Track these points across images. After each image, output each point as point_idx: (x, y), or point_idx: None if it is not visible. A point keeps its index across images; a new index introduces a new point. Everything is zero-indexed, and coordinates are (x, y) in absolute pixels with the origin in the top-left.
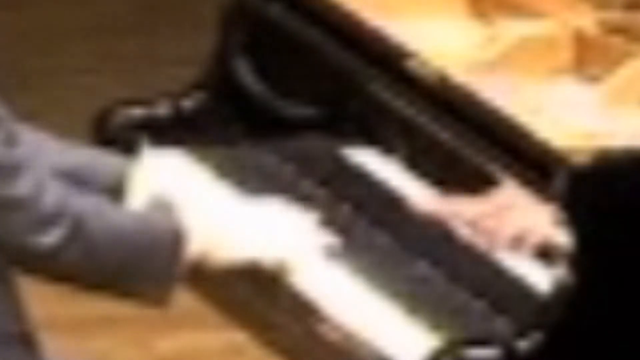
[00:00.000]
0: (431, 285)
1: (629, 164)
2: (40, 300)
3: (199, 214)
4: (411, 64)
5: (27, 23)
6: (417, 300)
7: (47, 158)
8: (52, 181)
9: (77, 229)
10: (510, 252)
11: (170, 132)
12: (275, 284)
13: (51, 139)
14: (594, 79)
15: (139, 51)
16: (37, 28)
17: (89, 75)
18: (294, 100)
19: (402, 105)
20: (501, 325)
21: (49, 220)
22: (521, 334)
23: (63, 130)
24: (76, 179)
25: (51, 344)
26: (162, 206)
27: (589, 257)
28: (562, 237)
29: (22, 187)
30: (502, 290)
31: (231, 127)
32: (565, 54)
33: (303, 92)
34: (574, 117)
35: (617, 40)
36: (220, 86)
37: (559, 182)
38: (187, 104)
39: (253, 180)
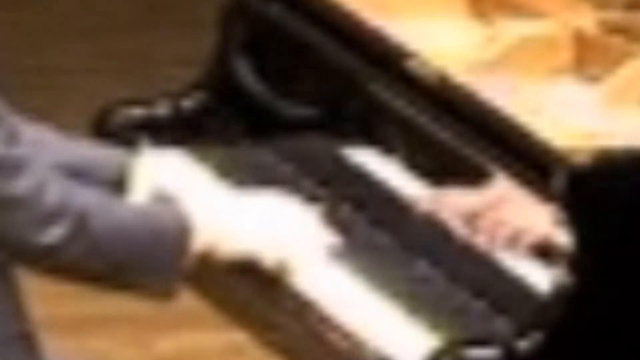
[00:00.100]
0: (431, 285)
1: (629, 164)
2: (40, 300)
3: (203, 207)
4: (411, 64)
5: (27, 23)
6: (417, 300)
7: (48, 153)
8: (54, 177)
9: (81, 225)
10: (507, 251)
11: (170, 132)
12: (275, 283)
13: (52, 132)
14: (594, 79)
15: (139, 51)
16: (37, 28)
17: (89, 75)
18: (294, 100)
19: (402, 105)
20: (501, 325)
21: (52, 217)
22: (521, 334)
23: (63, 130)
24: (78, 172)
25: (51, 344)
26: (165, 199)
27: (589, 257)
28: (562, 237)
29: (23, 185)
30: (502, 290)
31: (231, 127)
32: (565, 54)
33: (303, 92)
34: (574, 117)
35: (617, 40)
36: (220, 86)
37: (559, 182)
38: (187, 104)
39: (253, 180)
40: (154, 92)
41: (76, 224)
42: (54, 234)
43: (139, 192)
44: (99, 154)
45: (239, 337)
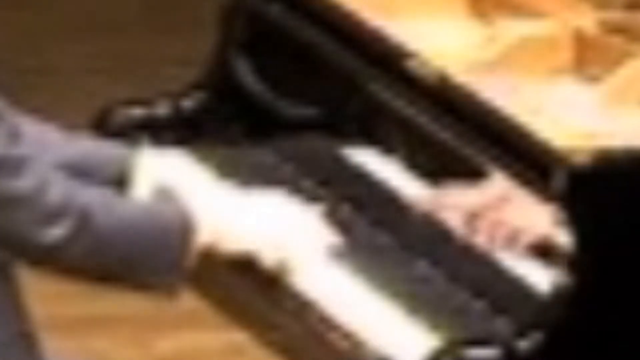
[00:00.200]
0: (431, 285)
1: (629, 164)
2: (40, 300)
3: (204, 206)
4: (411, 64)
5: (27, 23)
6: (417, 300)
7: (50, 152)
8: (56, 177)
9: (84, 223)
10: (506, 251)
11: (170, 132)
12: (275, 283)
13: (53, 130)
14: (594, 79)
15: (139, 51)
16: (38, 28)
17: (89, 75)
18: (294, 100)
19: (402, 105)
20: (501, 325)
21: (54, 215)
22: (521, 334)
23: (63, 130)
24: (80, 170)
25: (51, 344)
26: (167, 196)
27: (589, 257)
28: (562, 237)
29: (25, 184)
30: (502, 290)
31: (231, 127)
32: (565, 54)
33: (303, 92)
34: (574, 117)
35: (617, 40)
36: (220, 86)
37: (559, 182)
38: (187, 104)
39: (253, 180)
40: (154, 92)
41: (78, 223)
42: (56, 233)
43: (141, 191)
44: (101, 153)
45: (239, 337)
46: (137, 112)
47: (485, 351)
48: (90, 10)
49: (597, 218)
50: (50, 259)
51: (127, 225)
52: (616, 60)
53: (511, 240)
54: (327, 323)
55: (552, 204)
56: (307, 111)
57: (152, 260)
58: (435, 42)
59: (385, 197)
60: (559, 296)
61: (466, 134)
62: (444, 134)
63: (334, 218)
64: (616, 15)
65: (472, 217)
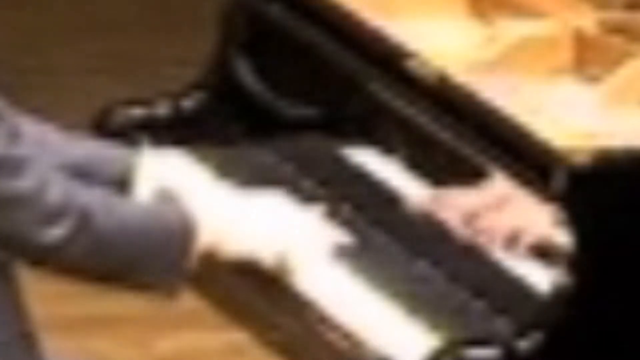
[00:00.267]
0: (431, 285)
1: (629, 164)
2: (40, 300)
3: (204, 208)
4: (411, 64)
5: (27, 23)
6: (417, 300)
7: (51, 153)
8: (56, 176)
9: (84, 223)
10: (506, 251)
11: (170, 132)
12: (275, 284)
13: (54, 131)
14: (594, 79)
15: (139, 51)
16: (37, 28)
17: (89, 75)
18: (294, 100)
19: (402, 105)
20: (501, 325)
21: (54, 216)
22: (521, 334)
23: (63, 130)
24: (81, 171)
25: (51, 344)
26: (168, 197)
27: (589, 257)
28: (562, 237)
29: (25, 184)
30: (502, 290)
31: (231, 127)
32: (565, 54)
33: (303, 92)
34: (574, 117)
35: (617, 40)
36: (220, 86)
37: (559, 182)
38: (187, 104)
39: (253, 180)
40: (154, 92)
41: (79, 223)
42: (56, 234)
43: (142, 192)
44: (102, 154)
45: (239, 337)
46: (137, 112)
47: (485, 351)
48: (90, 10)
49: (597, 218)
50: (50, 259)
51: (127, 226)
52: (616, 60)
53: (512, 241)
54: (327, 323)
55: (552, 204)
56: (307, 111)
57: (153, 261)
58: (435, 42)
59: (385, 197)
60: (559, 296)
61: (466, 134)
62: (444, 134)
63: (333, 218)
64: (616, 15)
65: (472, 218)
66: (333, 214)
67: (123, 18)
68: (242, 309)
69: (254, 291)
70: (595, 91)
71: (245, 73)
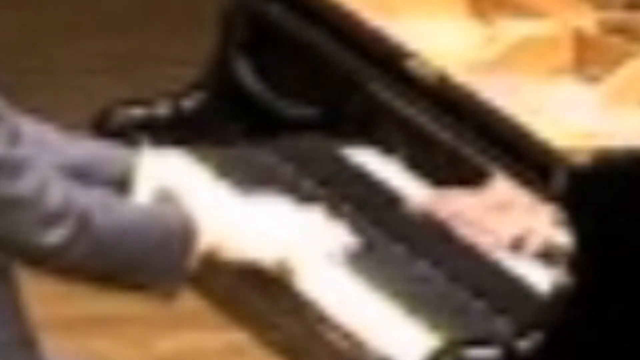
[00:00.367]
0: (431, 285)
1: (629, 164)
2: (40, 300)
3: (205, 209)
4: (411, 64)
5: (27, 23)
6: (417, 300)
7: (51, 153)
8: (56, 178)
9: (84, 225)
10: (512, 254)
11: (170, 132)
12: (275, 284)
13: (54, 131)
14: (594, 79)
15: (139, 51)
16: (38, 28)
17: (89, 75)
18: (294, 100)
19: (402, 105)
20: (501, 325)
21: (54, 218)
22: (521, 334)
23: (63, 130)
24: (80, 172)
25: (51, 344)
26: (168, 198)
27: (589, 257)
28: (562, 237)
29: (25, 185)
30: (502, 290)
31: (231, 127)
32: (565, 54)
33: (303, 92)
34: (574, 117)
35: (617, 40)
36: (220, 86)
37: (559, 182)
38: (187, 104)
39: (253, 180)
40: (154, 92)
41: (78, 225)
42: (56, 235)
43: (142, 192)
44: (102, 154)
45: (239, 337)
46: (137, 112)
47: (485, 351)
48: (90, 10)
49: (597, 218)
50: (50, 261)
51: (127, 227)
52: (616, 60)
53: (518, 244)
54: (327, 323)
55: (552, 204)
56: (307, 111)
57: (153, 262)
58: (435, 42)
59: (385, 197)
60: (559, 296)
61: (466, 134)
62: (444, 134)
63: (333, 218)
64: (616, 15)
65: (474, 220)
66: (333, 214)
67: (123, 18)
68: (242, 309)
69: (254, 291)
70: (595, 91)
71: (245, 73)
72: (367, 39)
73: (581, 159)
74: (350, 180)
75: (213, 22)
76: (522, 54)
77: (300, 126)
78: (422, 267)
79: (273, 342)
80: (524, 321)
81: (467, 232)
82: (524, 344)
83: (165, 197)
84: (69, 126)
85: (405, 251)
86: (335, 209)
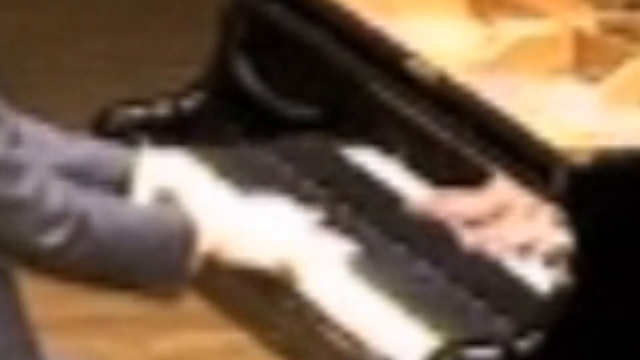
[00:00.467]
0: (431, 285)
1: (629, 164)
2: (40, 300)
3: (206, 210)
4: (411, 64)
5: (27, 23)
6: (417, 300)
7: (50, 154)
8: (56, 179)
9: (83, 227)
10: (519, 259)
11: (170, 132)
12: (276, 284)
13: (54, 131)
14: (594, 79)
15: (139, 51)
16: (38, 28)
17: (89, 75)
18: (294, 100)
19: (402, 105)
20: (501, 325)
21: (53, 220)
22: (521, 334)
23: (63, 130)
24: (80, 173)
25: (51, 344)
26: (168, 198)
27: (589, 257)
28: (562, 237)
29: (25, 187)
30: (502, 290)
31: (231, 127)
32: (565, 54)
33: (303, 92)
34: (574, 117)
35: (617, 40)
36: (220, 86)
37: (559, 182)
38: (187, 104)
39: (253, 180)
40: (154, 92)
41: (78, 225)
42: (56, 235)
43: (142, 192)
44: (102, 155)
45: (239, 337)
46: (137, 112)
47: (485, 351)
48: (90, 10)
49: (597, 218)
50: (50, 261)
51: (126, 229)
52: (616, 60)
53: (526, 249)
54: (327, 323)
55: (552, 204)
56: (307, 111)
57: (153, 264)
58: (435, 42)
59: (385, 197)
60: (559, 296)
61: (466, 134)
62: (444, 134)
63: (333, 218)
64: (616, 15)
65: (476, 224)
66: (333, 214)
67: (123, 18)
68: (242, 309)
69: (254, 291)
70: (595, 91)
71: (245, 73)
72: (367, 39)
73: (581, 159)
74: (350, 181)
75: (213, 22)
76: (522, 54)
77: (300, 126)
78: (422, 267)
79: (273, 342)
80: (524, 321)
81: (471, 238)
82: (524, 344)
83: (165, 197)
84: (69, 126)
85: (405, 251)
86: (335, 209)
